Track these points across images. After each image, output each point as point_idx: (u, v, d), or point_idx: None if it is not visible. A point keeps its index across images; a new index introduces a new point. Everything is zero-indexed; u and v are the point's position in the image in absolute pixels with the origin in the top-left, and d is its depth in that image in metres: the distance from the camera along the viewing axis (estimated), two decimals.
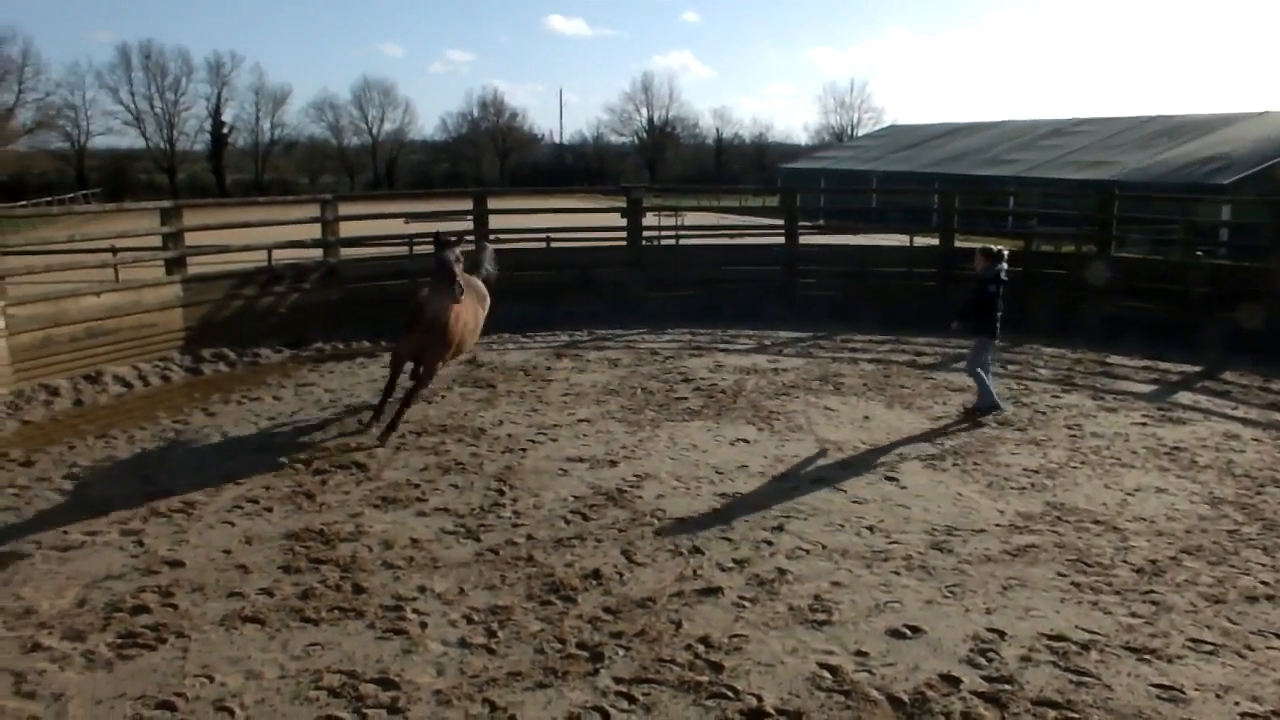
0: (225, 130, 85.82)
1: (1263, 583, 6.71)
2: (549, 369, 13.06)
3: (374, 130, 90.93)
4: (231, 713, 5.13)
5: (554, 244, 18.31)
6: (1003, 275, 10.69)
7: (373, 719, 5.09)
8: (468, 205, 17.50)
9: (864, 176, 51.49)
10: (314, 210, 15.78)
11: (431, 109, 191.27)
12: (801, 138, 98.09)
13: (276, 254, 16.30)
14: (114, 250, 17.84)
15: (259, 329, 14.37)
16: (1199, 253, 17.28)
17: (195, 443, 9.86)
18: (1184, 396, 11.76)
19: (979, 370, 10.71)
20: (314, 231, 15.52)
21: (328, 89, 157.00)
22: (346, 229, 16.03)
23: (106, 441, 9.87)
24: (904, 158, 53.12)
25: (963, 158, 48.59)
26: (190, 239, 14.60)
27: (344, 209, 16.15)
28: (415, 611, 6.22)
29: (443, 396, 11.61)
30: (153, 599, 6.38)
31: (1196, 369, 13.09)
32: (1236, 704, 5.26)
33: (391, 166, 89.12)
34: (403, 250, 17.73)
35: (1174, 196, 28.25)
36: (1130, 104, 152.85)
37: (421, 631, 5.97)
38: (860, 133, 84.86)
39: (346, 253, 16.06)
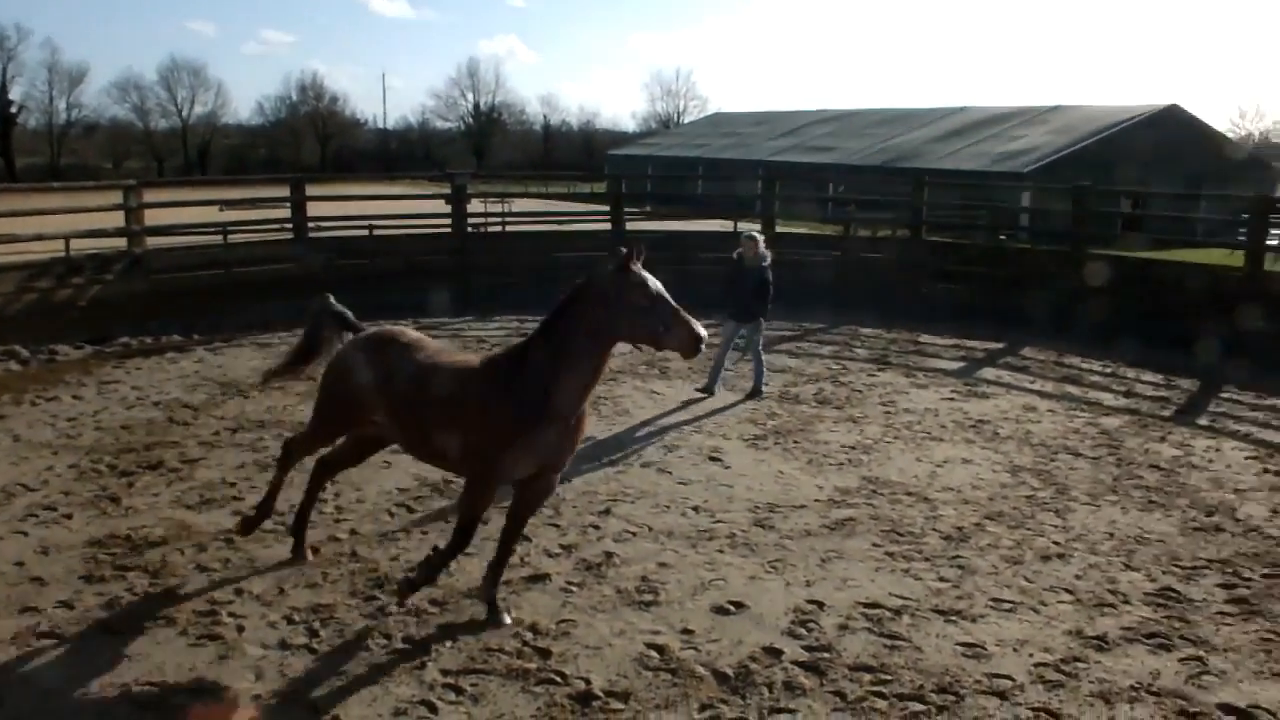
0: (13, 110, 79.39)
1: (1055, 543, 7.20)
2: None
3: (184, 113, 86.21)
4: None
5: (377, 232, 17.85)
6: (765, 261, 10.98)
7: None
8: (285, 192, 16.89)
9: (690, 163, 52.29)
10: (115, 197, 14.88)
11: (247, 92, 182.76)
12: (629, 125, 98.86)
13: (76, 244, 15.29)
14: None
15: (56, 324, 13.45)
16: (1002, 237, 18.32)
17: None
18: (988, 372, 12.49)
19: (759, 350, 11.20)
20: (118, 220, 14.65)
21: (132, 68, 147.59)
22: (155, 216, 15.20)
23: None
24: (729, 144, 54.25)
25: (785, 145, 50.00)
26: None
27: (152, 195, 15.35)
28: (231, 615, 5.96)
29: (260, 391, 11.17)
30: None
31: (999, 346, 13.91)
32: (1031, 655, 5.63)
33: (204, 151, 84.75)
34: (217, 239, 16.95)
35: (978, 184, 29.90)
36: (940, 94, 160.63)
37: (238, 635, 5.73)
38: (686, 120, 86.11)
39: (154, 242, 15.24)
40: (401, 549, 6.95)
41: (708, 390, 11.04)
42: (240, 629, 5.81)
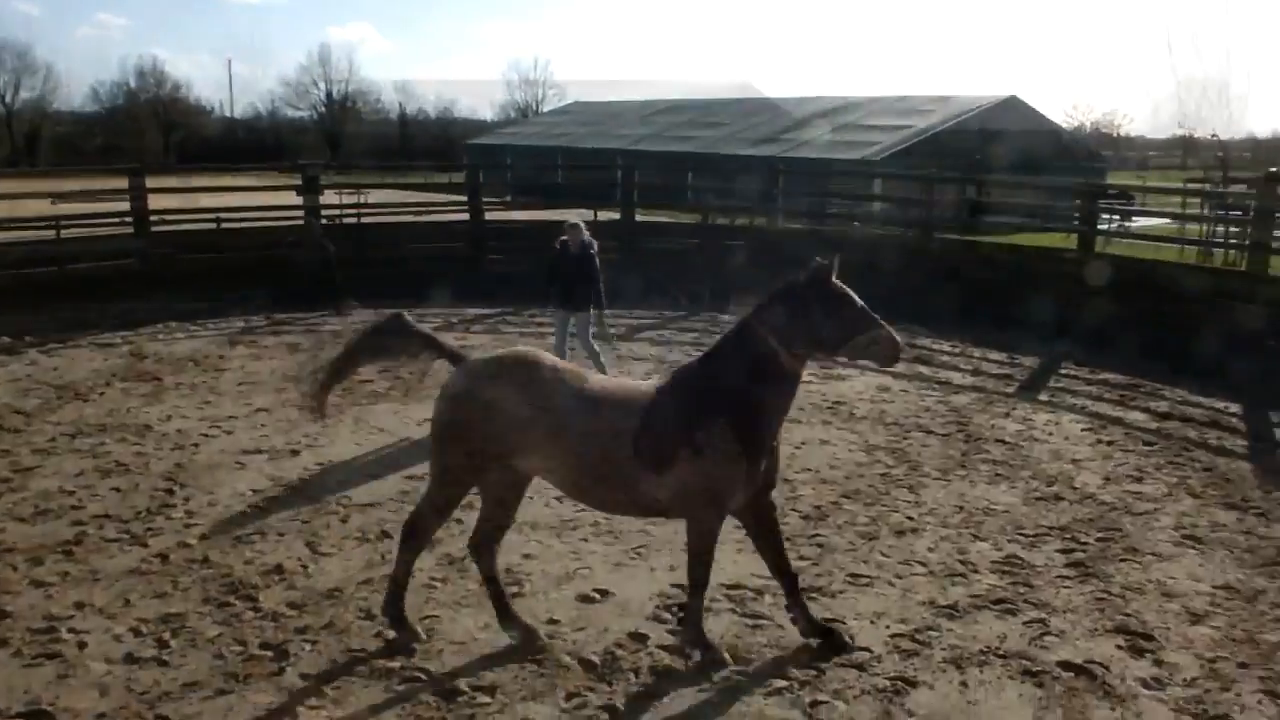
0: None
1: (909, 518, 7.47)
2: (222, 358, 12.27)
3: (8, 98, 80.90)
4: None
5: (225, 225, 17.18)
6: (592, 249, 10.50)
7: None
8: (124, 184, 16.06)
9: (549, 152, 52.06)
10: None
11: (80, 77, 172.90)
12: (487, 114, 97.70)
13: None
14: None
15: None
16: (855, 223, 18.84)
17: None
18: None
19: (593, 344, 10.64)
20: None
21: None
22: None
23: None
24: (587, 134, 54.18)
25: (644, 133, 50.27)
26: None
27: None
28: (71, 631, 5.66)
29: (101, 394, 10.63)
30: None
31: None
32: (888, 627, 5.83)
33: (33, 139, 79.76)
34: (49, 234, 16.03)
35: (830, 171, 30.68)
36: (791, 84, 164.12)
37: (79, 652, 5.44)
38: (545, 109, 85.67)
39: None
40: (257, 551, 6.72)
41: None
42: (82, 645, 5.52)
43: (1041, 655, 5.53)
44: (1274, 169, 14.42)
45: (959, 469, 8.60)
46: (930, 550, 6.91)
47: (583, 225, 10.72)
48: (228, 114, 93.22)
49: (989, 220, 22.13)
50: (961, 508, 7.70)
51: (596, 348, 10.61)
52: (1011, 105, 40.65)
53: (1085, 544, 7.05)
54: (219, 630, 5.69)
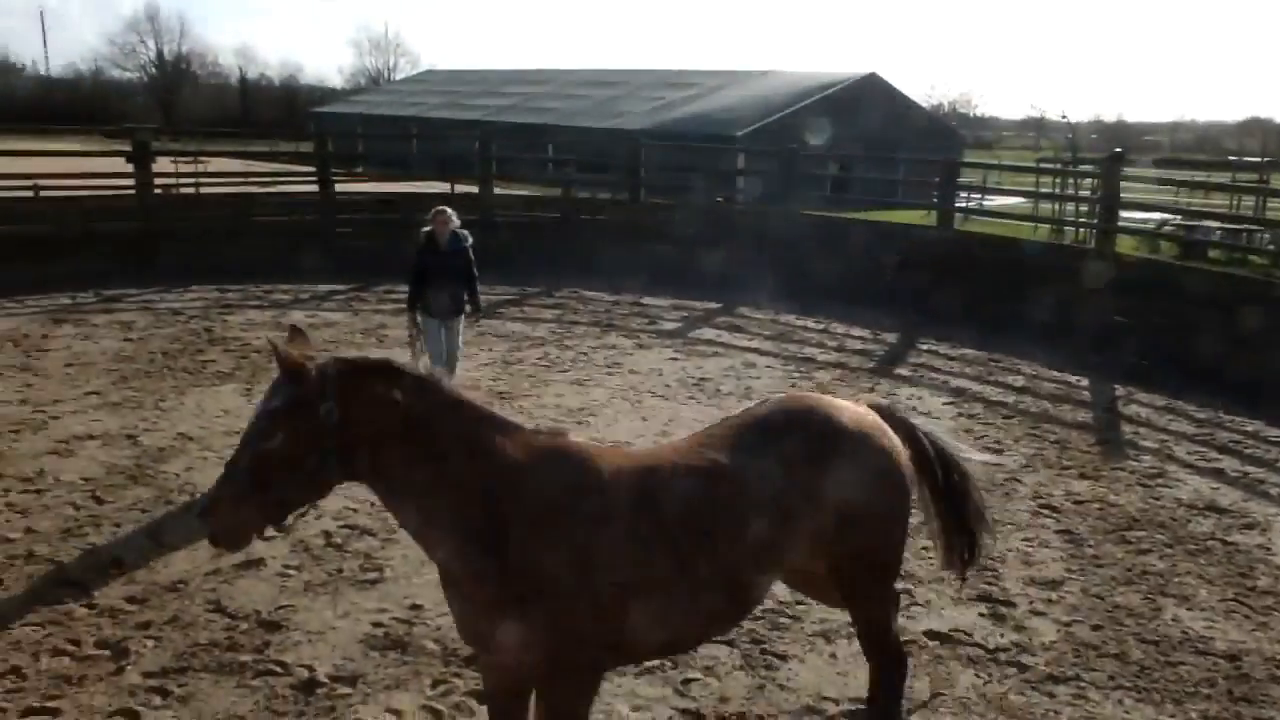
0: None
1: None
2: (45, 337, 11.38)
3: None
4: None
5: (45, 193, 15.97)
6: (467, 242, 8.95)
7: None
8: None
9: (403, 121, 50.71)
10: None
11: None
12: (336, 80, 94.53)
13: None
14: None
15: None
16: (719, 199, 18.89)
17: None
18: (708, 332, 12.84)
19: (459, 353, 9.22)
20: None
21: None
22: None
23: None
24: (443, 103, 52.99)
25: (501, 104, 49.47)
26: None
27: None
28: None
29: None
30: None
31: (718, 306, 14.33)
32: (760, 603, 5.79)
33: None
34: None
35: (694, 146, 30.76)
36: (648, 58, 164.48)
37: None
38: (398, 76, 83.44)
39: None
40: (90, 544, 6.22)
41: None
42: None
43: (909, 625, 5.60)
44: (1119, 150, 15.14)
45: None
46: None
47: (451, 213, 9.01)
48: (43, 72, 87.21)
49: (852, 196, 22.62)
50: None
51: (460, 356, 9.25)
52: (871, 83, 41.60)
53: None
54: (48, 630, 5.24)
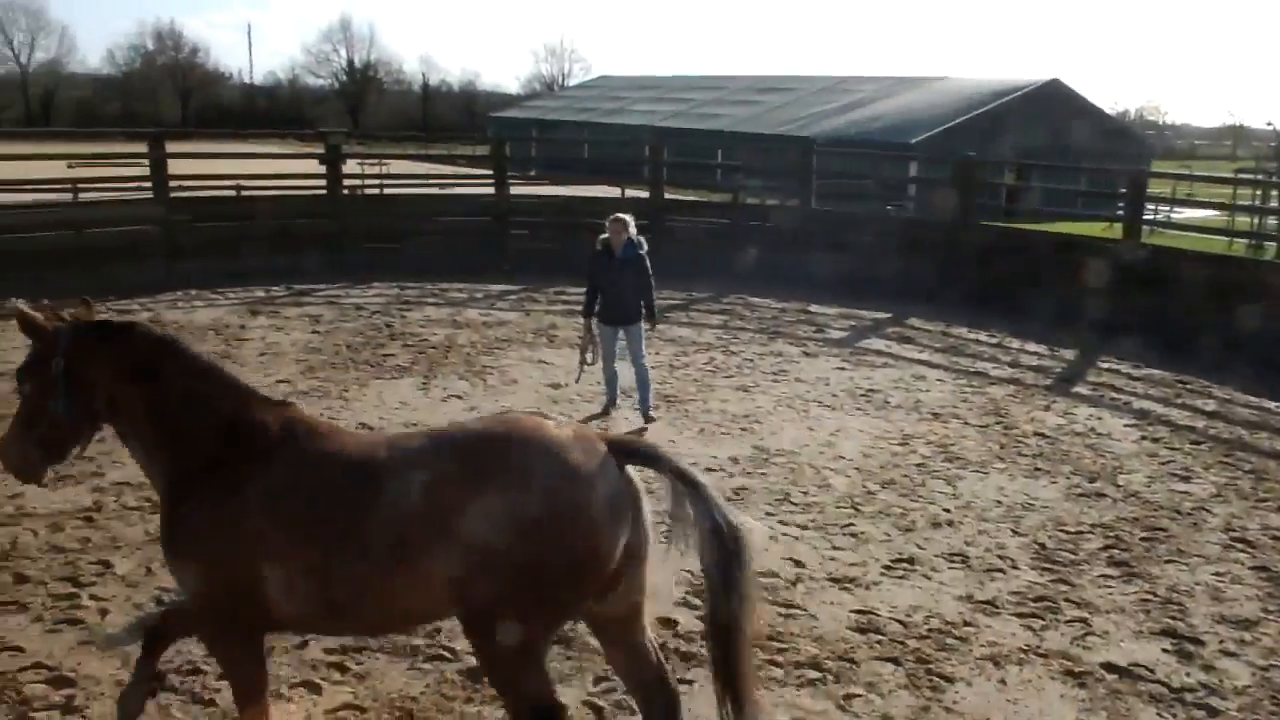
0: None
1: (945, 510, 7.28)
2: (243, 328, 12.12)
3: (21, 59, 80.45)
4: None
5: (246, 193, 17.02)
6: (642, 249, 9.03)
7: None
8: (143, 149, 15.91)
9: (575, 127, 51.74)
10: None
11: (96, 38, 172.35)
12: (512, 87, 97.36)
13: None
14: None
15: None
16: (889, 207, 18.56)
17: None
18: (877, 342, 12.59)
19: (643, 363, 9.17)
20: None
21: None
22: None
23: None
24: (614, 109, 53.83)
25: (672, 110, 49.87)
26: None
27: None
28: (93, 598, 5.57)
29: None
30: None
31: (887, 316, 14.04)
32: (925, 620, 5.67)
33: (48, 102, 79.44)
34: (66, 196, 15.90)
35: (866, 153, 30.30)
36: (824, 64, 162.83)
37: (101, 620, 5.35)
38: (571, 83, 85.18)
39: None
40: None
41: (610, 406, 9.28)
42: (103, 613, 5.43)
43: (1084, 656, 5.36)
44: None
45: (997, 461, 8.38)
46: (968, 544, 6.72)
47: (628, 220, 9.00)
48: (247, 80, 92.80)
49: (1029, 207, 21.82)
50: (1000, 501, 7.50)
51: (646, 364, 9.20)
52: (1054, 89, 39.98)
53: (1129, 543, 6.84)
54: None
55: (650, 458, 3.75)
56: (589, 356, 8.95)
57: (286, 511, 3.62)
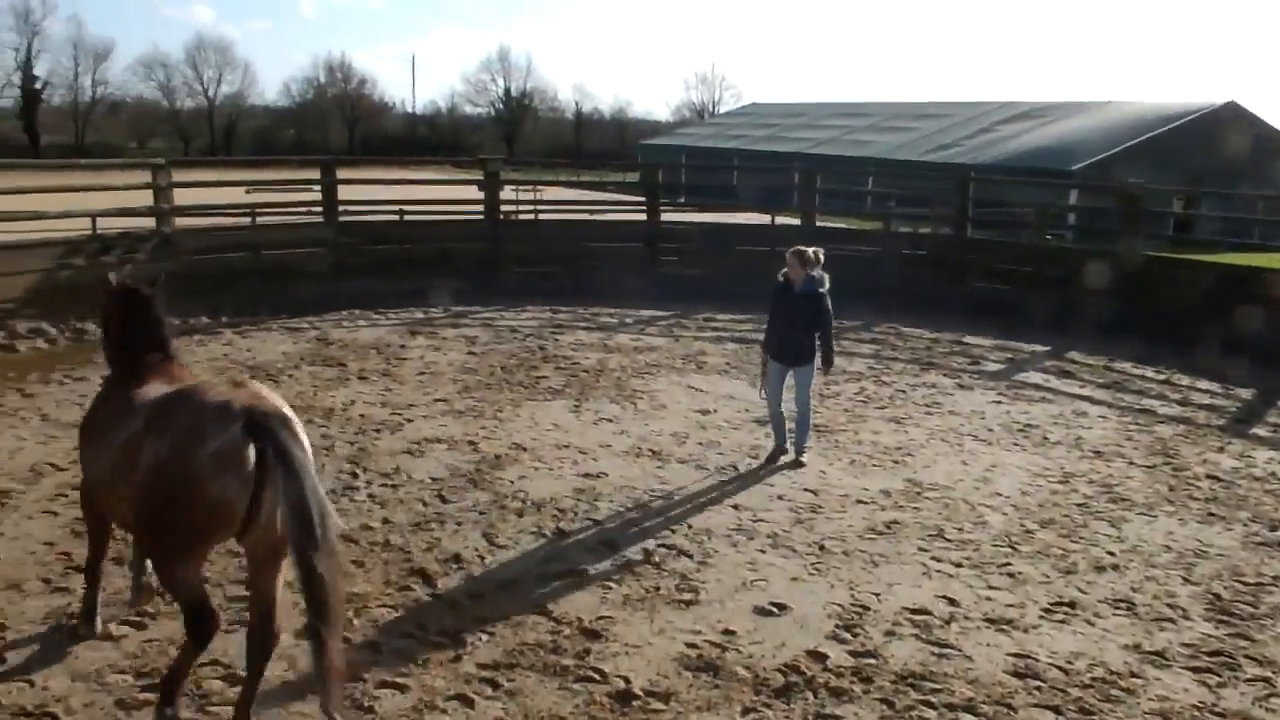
0: (38, 86, 78.74)
1: (1109, 553, 6.95)
2: (403, 347, 12.59)
3: (210, 92, 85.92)
4: (55, 717, 4.69)
5: (408, 217, 17.72)
6: (823, 287, 8.42)
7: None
8: (316, 174, 16.77)
9: (725, 154, 51.91)
10: (144, 176, 14.79)
11: (275, 72, 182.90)
12: (663, 114, 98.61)
13: (102, 222, 15.23)
14: None
15: (84, 303, 13.32)
16: (1049, 236, 17.94)
17: (9, 427, 9.05)
18: (1034, 376, 12.14)
19: (807, 404, 8.65)
20: (146, 199, 14.57)
21: (158, 46, 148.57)
22: (183, 196, 15.14)
23: None
24: (765, 136, 53.78)
25: (823, 137, 49.53)
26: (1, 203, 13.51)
27: (180, 175, 15.25)
28: None
29: (290, 376, 11.05)
30: None
31: (1045, 349, 13.55)
32: (1088, 669, 5.42)
33: (230, 132, 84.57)
34: (245, 220, 16.86)
35: (1025, 180, 29.39)
36: (979, 90, 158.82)
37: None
38: (721, 110, 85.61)
39: (183, 222, 15.16)
40: (435, 539, 6.79)
41: (778, 450, 8.62)
42: None
43: (1267, 719, 5.02)
44: None
45: (1166, 504, 7.96)
46: (1134, 590, 6.40)
47: (808, 254, 8.38)
48: (409, 110, 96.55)
49: (1200, 236, 20.77)
50: (1169, 546, 7.12)
51: (810, 407, 8.72)
52: (1229, 112, 37.98)
53: None
54: (400, 613, 5.75)
55: (265, 430, 4.26)
56: (761, 390, 8.76)
57: (90, 422, 5.02)
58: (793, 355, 8.41)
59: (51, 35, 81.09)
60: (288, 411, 4.48)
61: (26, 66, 76.90)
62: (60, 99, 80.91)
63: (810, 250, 8.44)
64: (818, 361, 8.52)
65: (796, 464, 8.51)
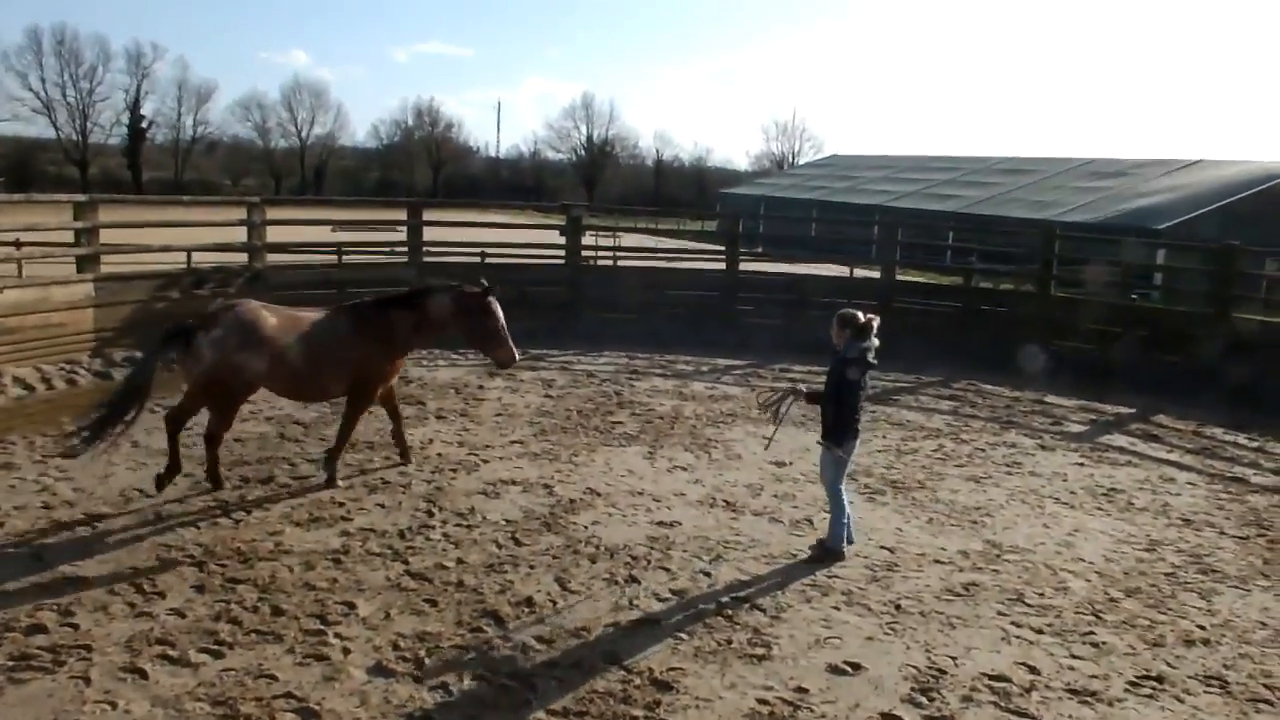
0: (144, 125, 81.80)
1: (1200, 627, 6.70)
2: (481, 388, 12.73)
3: (302, 133, 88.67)
4: None
5: (489, 259, 17.99)
6: (870, 356, 7.38)
7: None
8: (402, 215, 17.15)
9: (804, 205, 51.92)
10: (238, 213, 15.28)
11: (366, 114, 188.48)
12: (742, 163, 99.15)
13: (197, 257, 15.75)
14: (18, 244, 16.53)
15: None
16: (1134, 296, 17.56)
17: (101, 452, 9.30)
18: (1120, 439, 11.82)
19: (838, 488, 7.57)
20: (239, 234, 15.03)
21: (256, 88, 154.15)
22: (274, 234, 15.58)
23: (3, 447, 9.33)
24: (844, 188, 53.74)
25: (903, 190, 49.29)
26: (105, 236, 14.01)
27: (272, 214, 15.71)
28: (338, 636, 5.91)
29: (370, 413, 11.21)
30: (50, 618, 5.96)
31: (1131, 411, 13.20)
32: None
33: (320, 172, 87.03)
34: (331, 258, 17.28)
35: (1111, 238, 28.85)
36: (1066, 146, 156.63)
37: (344, 658, 5.67)
38: (800, 160, 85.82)
39: (273, 259, 15.60)
40: (508, 581, 6.81)
41: (835, 548, 7.55)
42: (346, 651, 5.74)
43: None
44: None
45: (1260, 578, 7.65)
46: (1227, 667, 6.15)
47: (849, 316, 7.42)
48: (493, 154, 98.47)
49: None
50: (1265, 623, 6.83)
51: (841, 495, 7.56)
52: None
53: None
54: (471, 655, 5.77)
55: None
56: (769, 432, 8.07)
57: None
58: (823, 428, 7.58)
59: (159, 77, 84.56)
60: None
61: (135, 106, 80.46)
62: (164, 137, 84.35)
63: (851, 313, 7.44)
64: (843, 439, 7.46)
65: (823, 549, 7.55)
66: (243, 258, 15.17)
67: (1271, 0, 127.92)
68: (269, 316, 8.10)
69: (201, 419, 8.40)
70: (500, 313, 8.77)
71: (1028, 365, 14.77)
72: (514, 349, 8.82)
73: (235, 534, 7.43)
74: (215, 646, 5.71)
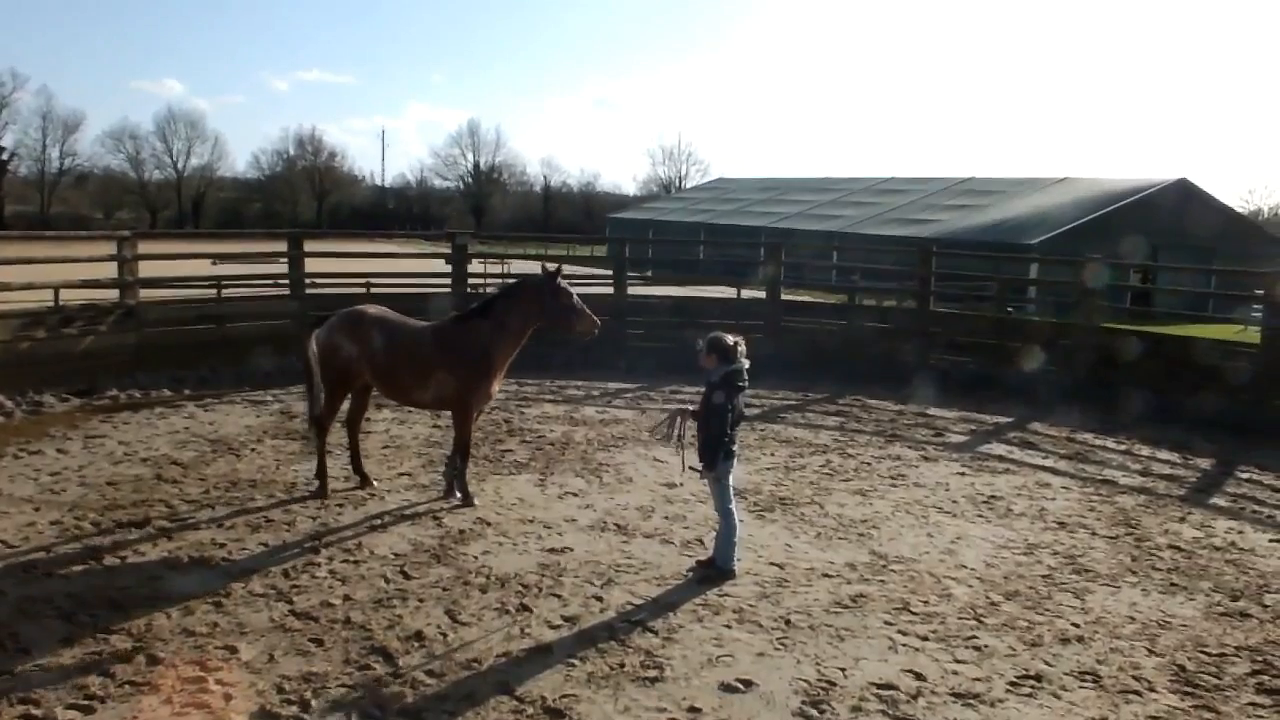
0: (5, 157, 78.74)
1: (1074, 625, 6.95)
2: (368, 419, 12.46)
3: (179, 164, 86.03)
4: None
5: (374, 290, 17.72)
6: (740, 380, 7.49)
7: None
8: (283, 247, 16.77)
9: (691, 228, 52.52)
10: (109, 248, 14.73)
11: (245, 144, 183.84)
12: (630, 188, 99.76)
13: (66, 294, 15.12)
14: None
15: (43, 375, 13.17)
16: (1009, 309, 18.24)
17: None
18: (998, 447, 12.23)
19: (728, 507, 7.60)
20: (109, 270, 14.49)
21: (129, 118, 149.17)
22: (149, 268, 15.06)
23: None
24: (730, 210, 54.58)
25: (788, 212, 50.29)
26: None
27: (146, 247, 15.19)
28: (219, 683, 5.69)
29: (253, 449, 10.92)
30: None
31: (1009, 420, 13.69)
32: None
33: (199, 204, 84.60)
34: (210, 292, 16.78)
35: (986, 255, 29.90)
36: (941, 166, 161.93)
37: (225, 705, 5.46)
38: (688, 184, 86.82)
39: (147, 294, 15.07)
40: (397, 616, 6.67)
41: (724, 567, 7.62)
42: (228, 698, 5.53)
43: None
44: None
45: (1129, 575, 7.99)
46: (1100, 662, 6.39)
47: (724, 341, 7.57)
48: (378, 182, 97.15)
49: (1155, 309, 21.14)
50: (1134, 618, 7.13)
51: (723, 512, 7.62)
52: (1181, 188, 39.06)
53: (1279, 669, 6.41)
54: (359, 693, 5.63)
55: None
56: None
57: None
58: (700, 452, 7.51)
59: (20, 106, 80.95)
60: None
61: None
62: (28, 170, 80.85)
63: (717, 337, 7.59)
64: (714, 461, 7.47)
65: (710, 566, 7.65)
66: (114, 294, 14.61)
67: (1134, 24, 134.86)
68: (374, 313, 9.19)
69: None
70: (571, 289, 9.10)
71: (911, 380, 15.18)
72: (594, 316, 9.06)
73: (109, 581, 7.11)
74: (85, 701, 5.45)
